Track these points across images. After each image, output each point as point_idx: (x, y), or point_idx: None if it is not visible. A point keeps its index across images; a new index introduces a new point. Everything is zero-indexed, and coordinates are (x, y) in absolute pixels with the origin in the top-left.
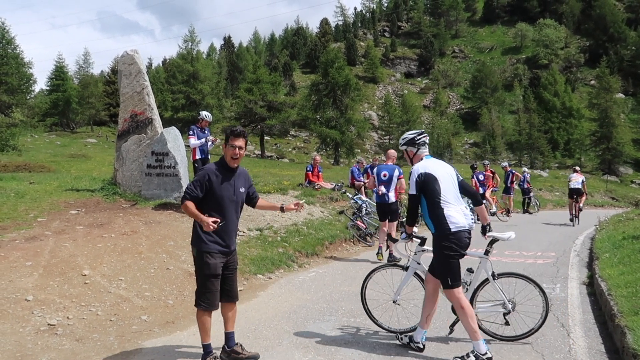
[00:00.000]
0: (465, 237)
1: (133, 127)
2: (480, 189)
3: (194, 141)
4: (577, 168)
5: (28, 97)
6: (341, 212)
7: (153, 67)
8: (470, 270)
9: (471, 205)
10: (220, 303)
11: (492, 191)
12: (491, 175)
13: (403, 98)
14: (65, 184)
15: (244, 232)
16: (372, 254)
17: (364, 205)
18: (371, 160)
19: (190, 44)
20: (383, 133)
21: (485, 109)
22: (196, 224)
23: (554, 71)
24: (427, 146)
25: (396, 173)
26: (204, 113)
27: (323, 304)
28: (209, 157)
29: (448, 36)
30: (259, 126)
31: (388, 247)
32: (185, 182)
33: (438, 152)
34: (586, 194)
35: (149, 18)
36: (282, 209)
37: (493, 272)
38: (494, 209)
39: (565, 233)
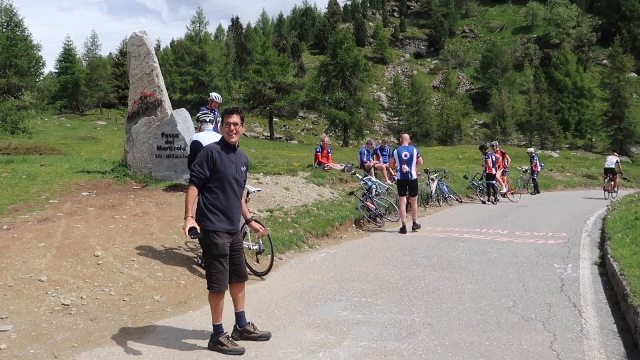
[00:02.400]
0: None
1: (143, 109)
2: (493, 169)
3: None
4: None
5: (37, 80)
6: (351, 193)
7: (161, 49)
8: None
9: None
10: (229, 284)
11: (502, 172)
12: (501, 156)
13: (412, 79)
14: (76, 166)
15: (254, 213)
16: (382, 234)
17: (373, 186)
18: (380, 141)
19: (198, 25)
20: (392, 114)
21: (495, 90)
22: (201, 201)
23: (565, 50)
24: (210, 123)
25: (415, 153)
26: (213, 94)
27: (334, 284)
28: None
29: (458, 16)
30: (267, 108)
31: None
32: None
33: (447, 134)
34: (621, 173)
35: (156, 0)
36: (247, 221)
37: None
38: (504, 190)
39: (577, 214)
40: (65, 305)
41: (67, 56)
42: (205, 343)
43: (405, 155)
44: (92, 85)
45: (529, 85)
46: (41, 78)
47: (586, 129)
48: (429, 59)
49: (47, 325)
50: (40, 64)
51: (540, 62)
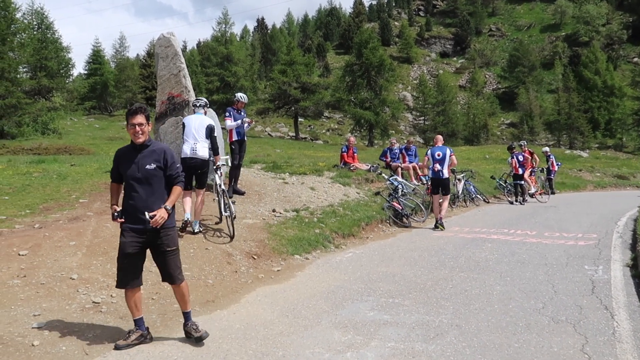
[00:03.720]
0: (187, 161)
1: (170, 110)
2: (519, 170)
3: (230, 123)
4: None
5: (67, 81)
6: (377, 193)
7: (187, 50)
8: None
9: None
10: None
11: (530, 172)
12: (529, 156)
13: (438, 78)
14: (104, 166)
15: (280, 213)
16: (408, 234)
17: (400, 186)
18: (405, 142)
19: (223, 26)
20: (418, 114)
21: (522, 89)
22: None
23: (595, 49)
24: (200, 108)
25: (448, 152)
26: (239, 94)
27: (360, 284)
28: (246, 138)
29: (485, 14)
30: (292, 108)
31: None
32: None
33: (474, 133)
34: None
35: (182, 1)
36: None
37: (222, 188)
38: (532, 190)
39: (607, 215)
40: (95, 303)
41: (96, 58)
42: (232, 342)
43: (438, 155)
44: (120, 87)
45: (558, 84)
46: (71, 79)
47: (616, 129)
48: (455, 58)
49: (79, 322)
50: (70, 66)
51: (569, 61)
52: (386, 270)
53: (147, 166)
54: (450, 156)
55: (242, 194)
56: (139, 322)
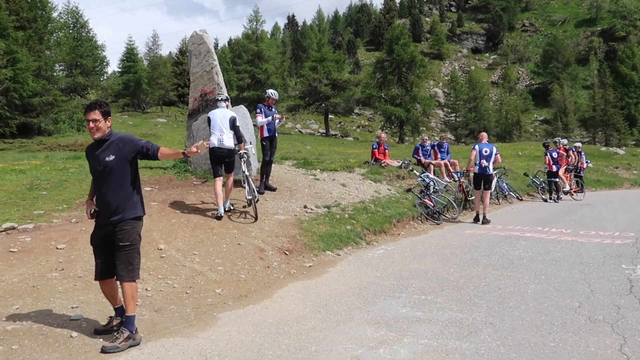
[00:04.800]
0: (215, 151)
1: (203, 106)
2: (554, 167)
3: (261, 119)
4: None
5: (101, 79)
6: (409, 190)
7: (219, 48)
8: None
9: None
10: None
11: (565, 169)
12: (564, 153)
13: (470, 74)
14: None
15: (311, 209)
16: (440, 231)
17: (431, 183)
18: (437, 138)
19: (254, 23)
20: (449, 110)
21: (556, 85)
22: None
23: (632, 43)
24: (222, 102)
25: (494, 150)
26: (270, 91)
27: (392, 280)
28: (277, 135)
29: (518, 9)
30: (323, 105)
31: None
32: (253, 160)
33: (506, 130)
34: None
35: None
36: (184, 154)
37: (247, 175)
38: (567, 188)
39: None
40: None
41: (130, 56)
42: (265, 336)
43: (486, 152)
44: (153, 84)
45: (593, 80)
46: (105, 77)
47: None
48: (487, 54)
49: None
50: (104, 64)
51: (605, 56)
52: (418, 267)
53: (107, 158)
54: (496, 154)
55: (274, 190)
56: (119, 311)
